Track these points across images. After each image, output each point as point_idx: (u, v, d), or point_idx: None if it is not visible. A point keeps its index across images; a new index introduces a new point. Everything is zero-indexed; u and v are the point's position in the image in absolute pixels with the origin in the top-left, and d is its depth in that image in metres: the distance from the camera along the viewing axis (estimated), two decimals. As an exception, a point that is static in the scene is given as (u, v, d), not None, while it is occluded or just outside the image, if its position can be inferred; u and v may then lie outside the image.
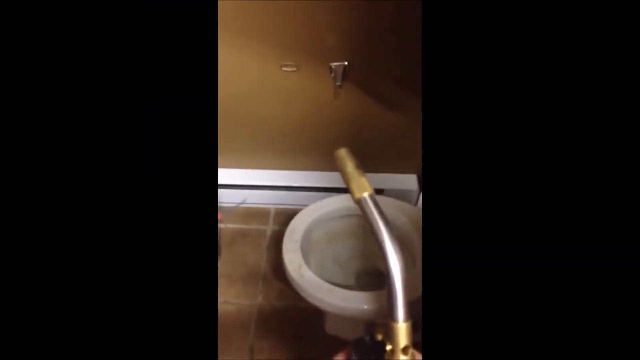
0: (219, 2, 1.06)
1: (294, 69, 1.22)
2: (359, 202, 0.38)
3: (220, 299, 1.36)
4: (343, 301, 1.00)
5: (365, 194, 0.38)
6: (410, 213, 1.19)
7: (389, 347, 0.39)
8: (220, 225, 1.56)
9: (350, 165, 0.40)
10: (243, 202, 0.39)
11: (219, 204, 1.59)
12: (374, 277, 1.20)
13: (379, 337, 0.41)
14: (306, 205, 1.25)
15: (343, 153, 0.41)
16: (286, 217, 1.56)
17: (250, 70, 1.24)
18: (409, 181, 1.52)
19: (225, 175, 1.53)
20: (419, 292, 0.36)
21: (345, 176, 0.39)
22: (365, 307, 0.98)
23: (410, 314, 0.39)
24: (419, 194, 1.51)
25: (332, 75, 1.21)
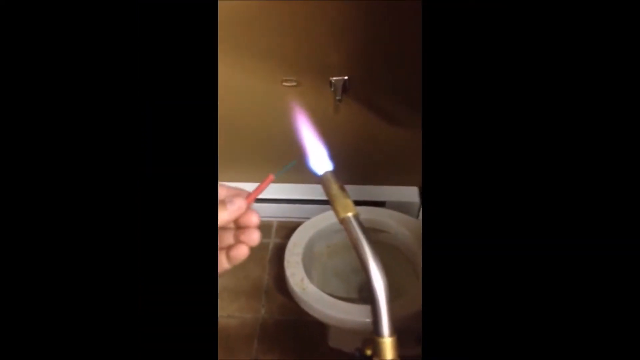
0: (220, 18, 1.09)
1: (295, 83, 1.24)
2: (343, 222, 0.40)
3: (223, 313, 1.36)
4: (345, 314, 1.00)
5: (349, 214, 0.39)
6: (411, 225, 1.19)
7: None
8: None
9: (334, 188, 0.41)
10: (293, 164, 0.40)
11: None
12: (377, 290, 1.20)
13: (368, 352, 0.42)
14: (308, 218, 1.25)
15: (327, 176, 0.43)
16: (288, 230, 1.56)
17: (251, 85, 1.26)
18: (410, 194, 1.52)
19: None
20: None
21: (330, 198, 0.41)
22: (368, 320, 0.97)
23: (395, 329, 0.40)
24: (420, 207, 1.51)
25: (332, 89, 1.23)
